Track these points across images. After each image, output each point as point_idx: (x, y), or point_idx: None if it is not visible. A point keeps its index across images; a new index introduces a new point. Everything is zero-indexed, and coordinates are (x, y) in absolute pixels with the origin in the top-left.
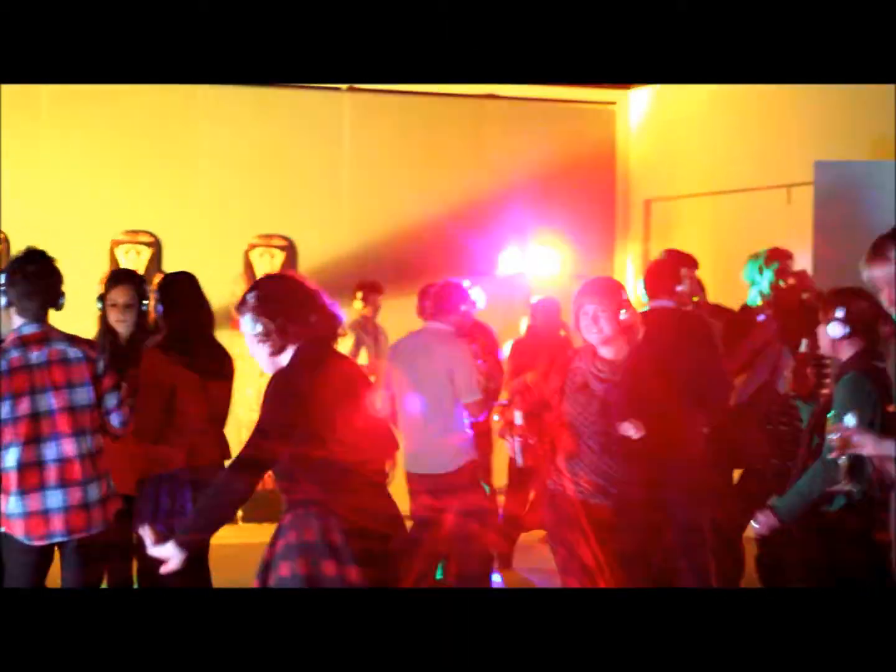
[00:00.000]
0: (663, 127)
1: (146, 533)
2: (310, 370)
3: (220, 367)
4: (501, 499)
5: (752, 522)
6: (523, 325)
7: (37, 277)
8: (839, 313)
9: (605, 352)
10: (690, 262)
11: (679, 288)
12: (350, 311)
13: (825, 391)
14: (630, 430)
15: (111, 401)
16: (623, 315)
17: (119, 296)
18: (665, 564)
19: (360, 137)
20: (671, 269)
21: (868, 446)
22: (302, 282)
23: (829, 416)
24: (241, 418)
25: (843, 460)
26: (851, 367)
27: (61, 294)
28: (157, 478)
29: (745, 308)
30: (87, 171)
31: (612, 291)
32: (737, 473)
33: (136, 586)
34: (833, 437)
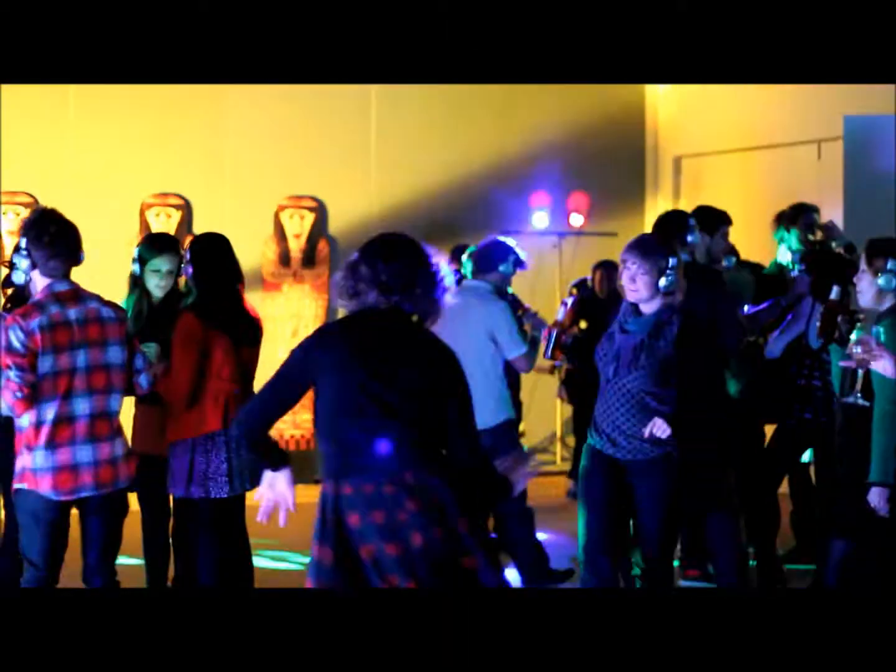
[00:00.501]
0: (692, 84)
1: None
2: None
3: (250, 330)
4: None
5: (873, 507)
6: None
7: (60, 237)
8: (892, 265)
9: (642, 307)
10: (724, 219)
11: (689, 239)
12: None
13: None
14: (659, 429)
15: (139, 362)
16: (664, 281)
17: (163, 263)
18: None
19: (388, 97)
20: (679, 220)
21: (889, 368)
22: None
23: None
24: None
25: (860, 372)
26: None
27: (80, 249)
28: (191, 440)
29: (777, 265)
30: (119, 136)
31: (654, 253)
32: (769, 430)
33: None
34: (856, 349)
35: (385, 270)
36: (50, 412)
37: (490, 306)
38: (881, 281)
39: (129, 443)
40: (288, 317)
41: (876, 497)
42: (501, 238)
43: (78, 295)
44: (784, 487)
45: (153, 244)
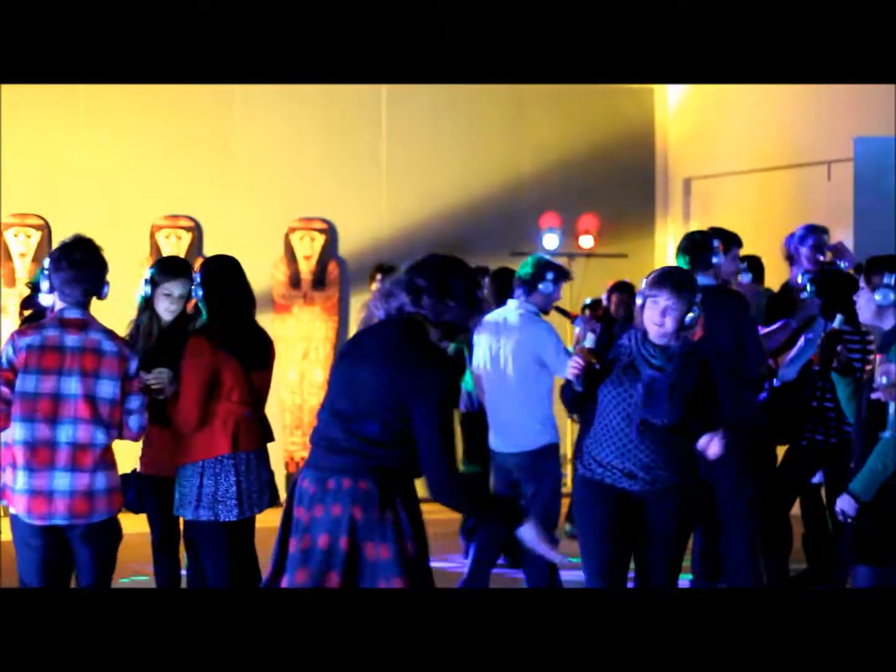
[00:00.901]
0: (702, 104)
1: None
2: None
3: (261, 352)
4: None
5: (837, 510)
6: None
7: (82, 265)
8: (888, 279)
9: (659, 340)
10: (736, 241)
11: (714, 261)
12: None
13: (868, 367)
14: (713, 447)
15: (134, 402)
16: (690, 316)
17: (175, 287)
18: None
19: (399, 118)
20: (705, 242)
21: None
22: None
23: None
24: (285, 401)
25: (892, 406)
26: None
27: (105, 283)
28: (200, 463)
29: (787, 286)
30: (127, 158)
31: (688, 290)
32: (781, 451)
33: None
34: (882, 381)
35: (420, 275)
36: (27, 433)
37: (534, 329)
38: (878, 296)
39: (118, 476)
40: (298, 339)
41: (847, 504)
42: (542, 256)
43: (86, 325)
44: (796, 509)
45: (166, 267)
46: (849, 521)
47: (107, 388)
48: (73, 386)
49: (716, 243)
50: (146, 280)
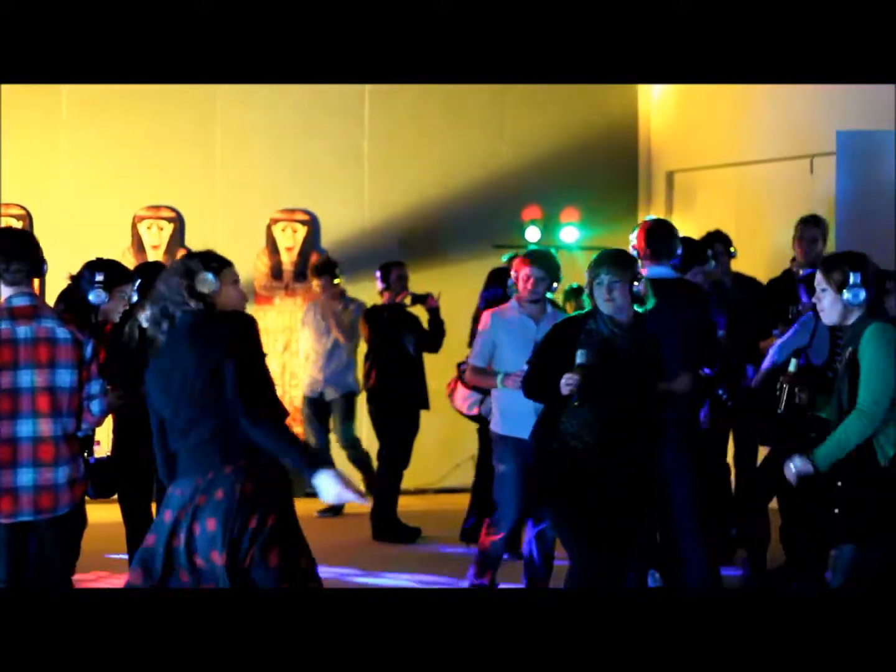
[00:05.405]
0: (685, 98)
1: None
2: None
3: None
4: None
5: (786, 467)
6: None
7: (18, 244)
8: (855, 278)
9: (617, 315)
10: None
11: (679, 251)
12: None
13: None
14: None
15: (94, 387)
16: (636, 286)
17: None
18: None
19: (381, 112)
20: (667, 233)
21: None
22: None
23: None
24: None
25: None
26: (875, 319)
27: (43, 262)
28: None
29: (789, 273)
30: (111, 149)
31: (626, 264)
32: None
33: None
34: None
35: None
36: None
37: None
38: (847, 296)
39: (81, 467)
40: (280, 330)
41: (802, 465)
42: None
43: (36, 313)
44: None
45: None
46: (792, 482)
47: (64, 377)
48: (30, 379)
49: (675, 233)
50: (135, 290)
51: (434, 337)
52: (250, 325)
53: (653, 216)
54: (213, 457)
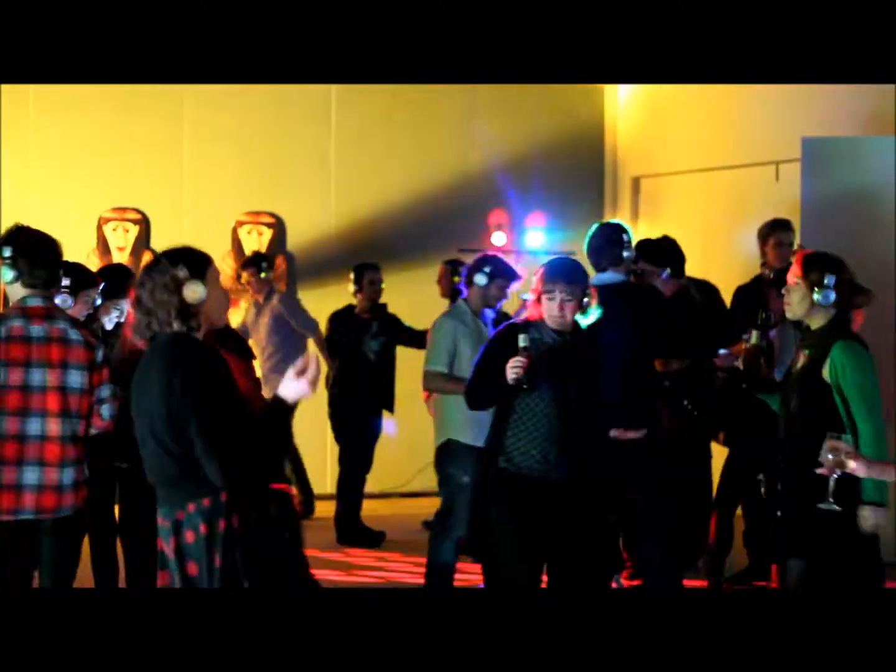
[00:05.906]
0: (651, 103)
1: None
2: None
3: (239, 344)
4: None
5: (862, 520)
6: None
7: (45, 249)
8: (829, 280)
9: (560, 328)
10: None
11: (625, 255)
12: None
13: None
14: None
15: (105, 392)
16: (585, 300)
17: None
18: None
19: (348, 115)
20: (616, 237)
21: (861, 470)
22: None
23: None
24: None
25: (832, 479)
26: (842, 335)
27: (61, 268)
28: None
29: (759, 278)
30: (76, 149)
31: (580, 279)
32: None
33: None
34: (827, 456)
35: None
36: None
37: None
38: (818, 296)
39: (86, 471)
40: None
41: (879, 516)
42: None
43: (50, 314)
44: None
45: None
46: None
47: (75, 378)
48: (41, 378)
49: (626, 238)
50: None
51: (420, 333)
52: (220, 363)
53: (605, 221)
54: (188, 489)
